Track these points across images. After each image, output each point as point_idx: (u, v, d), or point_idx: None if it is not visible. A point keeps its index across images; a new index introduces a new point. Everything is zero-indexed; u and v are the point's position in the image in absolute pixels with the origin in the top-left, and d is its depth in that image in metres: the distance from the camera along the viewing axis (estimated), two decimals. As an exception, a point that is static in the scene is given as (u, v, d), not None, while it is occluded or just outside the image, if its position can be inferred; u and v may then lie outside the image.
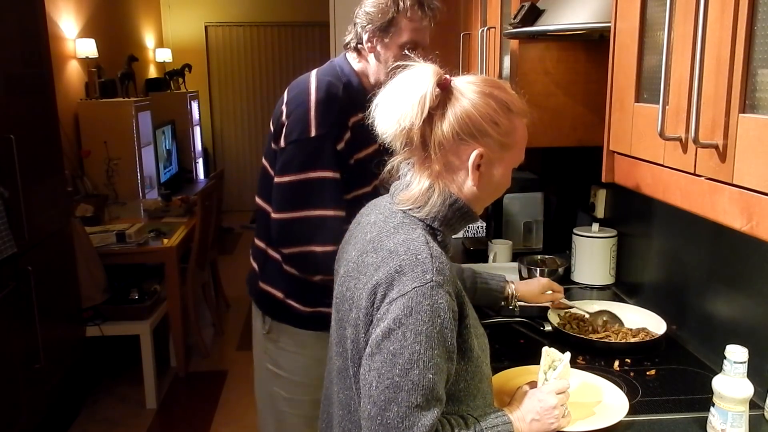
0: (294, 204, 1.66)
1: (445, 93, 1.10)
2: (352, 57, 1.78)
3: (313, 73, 1.75)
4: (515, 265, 2.25)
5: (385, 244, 1.10)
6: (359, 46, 1.75)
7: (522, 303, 1.80)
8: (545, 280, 1.85)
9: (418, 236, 1.10)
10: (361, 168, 1.74)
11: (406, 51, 1.69)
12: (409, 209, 1.14)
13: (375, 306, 1.06)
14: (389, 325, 1.03)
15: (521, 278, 2.18)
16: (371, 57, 1.74)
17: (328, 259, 1.68)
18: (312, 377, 1.86)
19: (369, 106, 1.77)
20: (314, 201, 1.65)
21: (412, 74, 1.10)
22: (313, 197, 1.65)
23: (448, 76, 1.11)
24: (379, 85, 1.73)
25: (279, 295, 1.83)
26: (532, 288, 1.81)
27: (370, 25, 1.70)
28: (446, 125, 1.10)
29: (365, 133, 1.76)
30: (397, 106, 1.09)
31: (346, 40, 1.78)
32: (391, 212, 1.17)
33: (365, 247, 1.15)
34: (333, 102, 1.68)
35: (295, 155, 1.66)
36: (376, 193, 1.77)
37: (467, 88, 1.11)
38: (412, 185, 1.15)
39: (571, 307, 1.86)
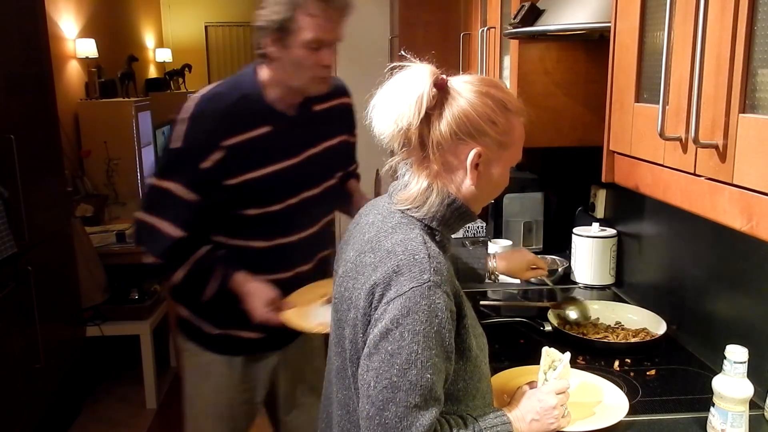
0: (143, 205, 1.67)
1: (442, 93, 1.10)
2: (261, 65, 1.65)
3: (214, 84, 1.67)
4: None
5: (383, 244, 1.11)
6: (264, 51, 1.60)
7: (506, 279, 1.78)
8: (530, 256, 1.81)
9: (415, 236, 1.10)
10: (255, 188, 1.64)
11: (314, 49, 1.55)
12: (408, 209, 1.14)
13: (373, 306, 1.07)
14: (387, 326, 1.03)
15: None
16: (279, 62, 1.59)
17: (157, 270, 1.67)
18: (212, 404, 1.79)
19: (277, 119, 1.65)
20: (152, 208, 1.64)
21: (409, 74, 1.10)
22: (153, 205, 1.64)
23: (444, 76, 1.11)
24: (297, 91, 1.64)
25: (184, 312, 1.78)
26: (515, 263, 1.77)
27: (269, 28, 1.55)
28: (444, 125, 1.10)
29: (265, 150, 1.63)
30: (394, 107, 1.09)
31: (255, 46, 1.64)
32: (389, 212, 1.17)
33: (363, 247, 1.15)
34: (209, 118, 1.59)
35: (158, 161, 1.68)
36: (287, 214, 1.69)
37: (464, 88, 1.11)
38: (410, 185, 1.15)
39: (554, 288, 1.85)
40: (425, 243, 1.09)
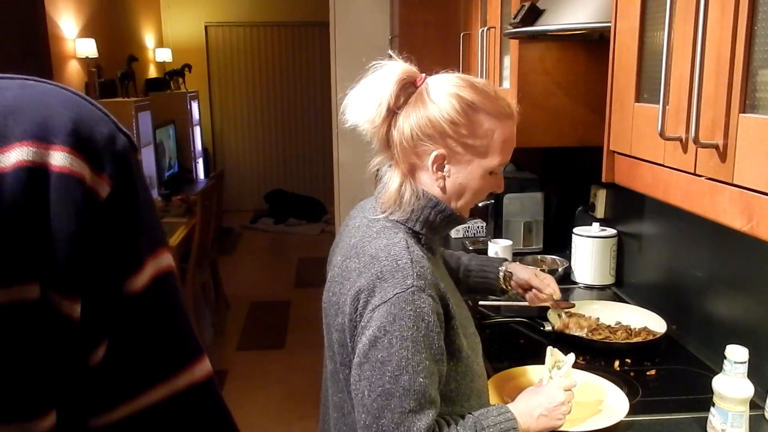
0: None
1: (411, 92, 1.10)
2: None
3: None
4: (515, 265, 2.25)
5: (367, 249, 1.10)
6: None
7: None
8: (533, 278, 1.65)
9: (399, 241, 1.09)
10: None
11: None
12: (390, 213, 1.14)
13: (358, 312, 1.06)
14: (374, 333, 1.03)
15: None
16: None
17: None
18: None
19: None
20: None
21: (379, 73, 1.10)
22: None
23: (423, 75, 1.11)
24: None
25: None
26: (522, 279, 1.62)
27: None
28: (406, 125, 1.10)
29: None
30: (361, 104, 1.10)
31: None
32: (374, 216, 1.17)
33: (349, 252, 1.14)
34: None
35: None
36: None
37: (435, 88, 1.11)
38: (388, 185, 1.16)
39: (572, 306, 1.86)
40: (408, 248, 1.08)
